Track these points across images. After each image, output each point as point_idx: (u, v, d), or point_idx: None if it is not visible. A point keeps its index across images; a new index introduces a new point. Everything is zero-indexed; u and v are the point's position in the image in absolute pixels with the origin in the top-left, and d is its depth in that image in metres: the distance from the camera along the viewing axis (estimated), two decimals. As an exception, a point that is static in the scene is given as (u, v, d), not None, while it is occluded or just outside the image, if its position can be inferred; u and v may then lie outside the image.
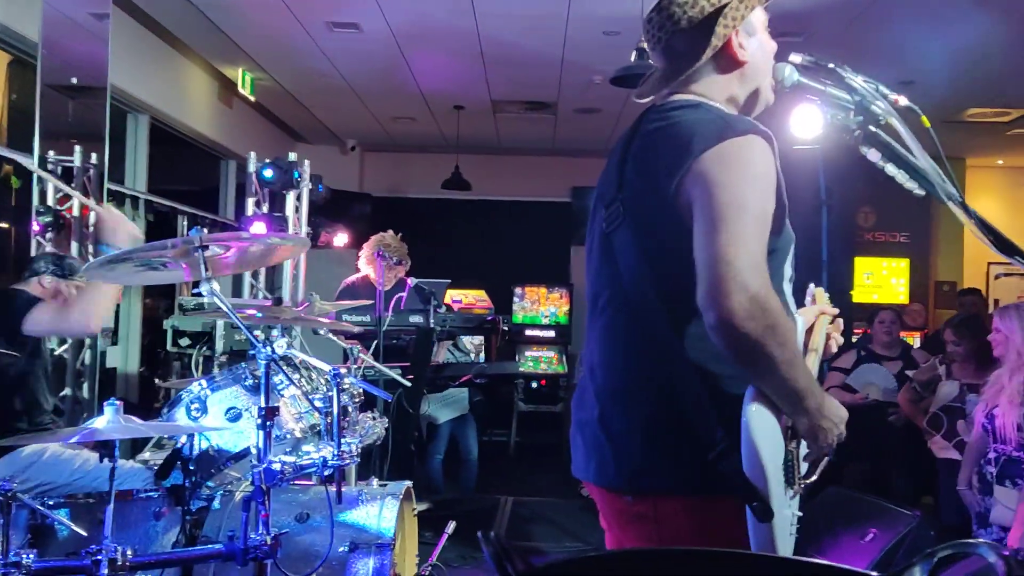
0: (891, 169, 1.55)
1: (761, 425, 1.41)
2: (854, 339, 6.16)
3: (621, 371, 1.58)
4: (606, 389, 1.59)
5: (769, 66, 1.63)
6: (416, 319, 4.26)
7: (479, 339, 5.84)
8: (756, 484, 1.38)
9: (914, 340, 7.21)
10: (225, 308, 2.16)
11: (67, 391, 4.25)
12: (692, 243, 1.45)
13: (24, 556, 1.85)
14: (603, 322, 1.62)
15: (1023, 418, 3.28)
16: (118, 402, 2.05)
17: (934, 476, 4.41)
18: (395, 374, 3.69)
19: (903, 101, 1.55)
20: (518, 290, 8.88)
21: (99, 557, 1.86)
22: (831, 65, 1.53)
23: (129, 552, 1.89)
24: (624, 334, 1.58)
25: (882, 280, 8.95)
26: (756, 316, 1.36)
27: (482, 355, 6.59)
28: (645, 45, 1.74)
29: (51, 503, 2.36)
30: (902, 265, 8.93)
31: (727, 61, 1.62)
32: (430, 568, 3.21)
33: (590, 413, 1.61)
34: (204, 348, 4.07)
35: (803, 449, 1.52)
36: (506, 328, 4.99)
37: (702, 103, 1.59)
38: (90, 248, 4.45)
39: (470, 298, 8.08)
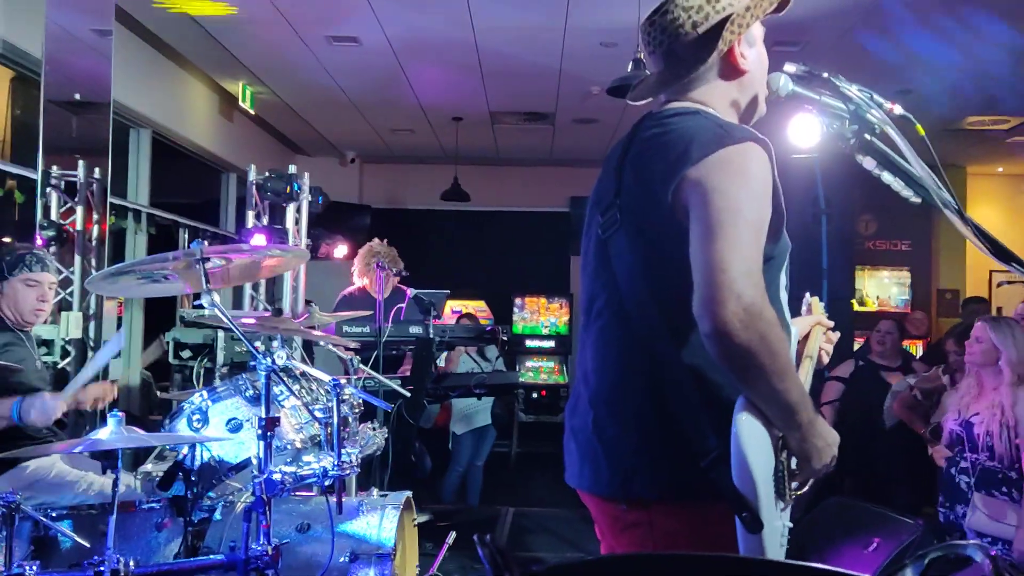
0: (887, 177, 1.56)
1: (751, 435, 1.40)
2: (855, 348, 6.16)
3: (616, 376, 1.56)
4: (600, 395, 1.58)
5: (764, 78, 1.64)
6: (416, 330, 4.26)
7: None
8: (745, 494, 1.37)
9: (916, 349, 7.21)
10: (226, 319, 2.18)
11: (69, 404, 4.25)
12: (688, 249, 1.45)
13: (27, 567, 1.86)
14: (598, 327, 1.61)
15: (1010, 428, 3.26)
16: (120, 413, 2.07)
17: (934, 485, 4.39)
18: (395, 384, 3.69)
19: (898, 110, 1.55)
20: (518, 300, 8.89)
21: (102, 568, 1.87)
22: (825, 75, 1.54)
23: (132, 563, 1.90)
24: (619, 339, 1.57)
25: (883, 289, 8.96)
26: (750, 326, 1.36)
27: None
28: (641, 50, 1.73)
29: (54, 515, 2.36)
30: (903, 273, 8.94)
31: (728, 69, 1.63)
32: (431, 578, 3.21)
33: (583, 419, 1.60)
34: (205, 360, 4.08)
35: (794, 461, 1.51)
36: (506, 338, 5.01)
37: (700, 110, 1.60)
38: (92, 262, 4.47)
39: (470, 309, 8.09)
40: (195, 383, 4.02)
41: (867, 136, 1.58)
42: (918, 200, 1.59)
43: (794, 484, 1.48)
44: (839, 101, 1.58)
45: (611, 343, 1.59)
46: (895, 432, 4.87)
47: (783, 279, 1.61)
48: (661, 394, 1.49)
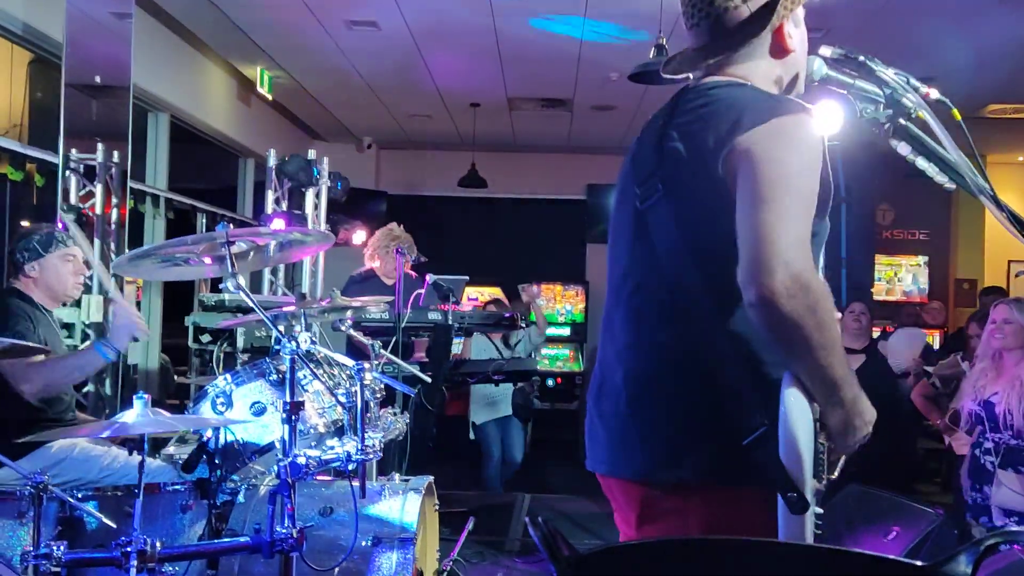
0: (921, 163, 1.54)
1: (799, 411, 1.37)
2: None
3: (654, 354, 1.52)
4: (636, 373, 1.53)
5: (806, 59, 1.62)
6: (434, 316, 4.26)
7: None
8: (792, 472, 1.34)
9: (933, 339, 7.16)
10: (251, 302, 2.18)
11: (89, 387, 4.29)
12: (735, 218, 1.41)
13: (55, 548, 1.88)
14: (635, 304, 1.56)
15: None
16: (146, 395, 2.08)
17: (951, 473, 4.37)
18: (415, 370, 3.70)
19: (934, 94, 1.53)
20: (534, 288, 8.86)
21: (129, 549, 1.88)
22: (861, 58, 1.52)
23: (159, 544, 1.91)
24: (658, 315, 1.52)
25: (900, 278, 8.91)
26: (797, 295, 1.33)
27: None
28: (683, 21, 1.67)
29: (80, 496, 2.38)
30: (920, 263, 8.88)
31: (775, 46, 1.61)
32: (451, 563, 3.23)
33: (613, 401, 1.55)
34: (225, 344, 4.09)
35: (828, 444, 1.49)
36: (523, 325, 5.02)
37: (747, 84, 1.57)
38: (112, 246, 4.49)
39: (486, 296, 8.08)
40: (215, 368, 4.03)
41: (902, 121, 1.56)
42: (952, 186, 1.57)
43: (827, 467, 1.45)
44: (874, 85, 1.55)
45: (650, 319, 1.54)
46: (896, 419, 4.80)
47: (821, 259, 1.58)
48: (705, 371, 1.45)
